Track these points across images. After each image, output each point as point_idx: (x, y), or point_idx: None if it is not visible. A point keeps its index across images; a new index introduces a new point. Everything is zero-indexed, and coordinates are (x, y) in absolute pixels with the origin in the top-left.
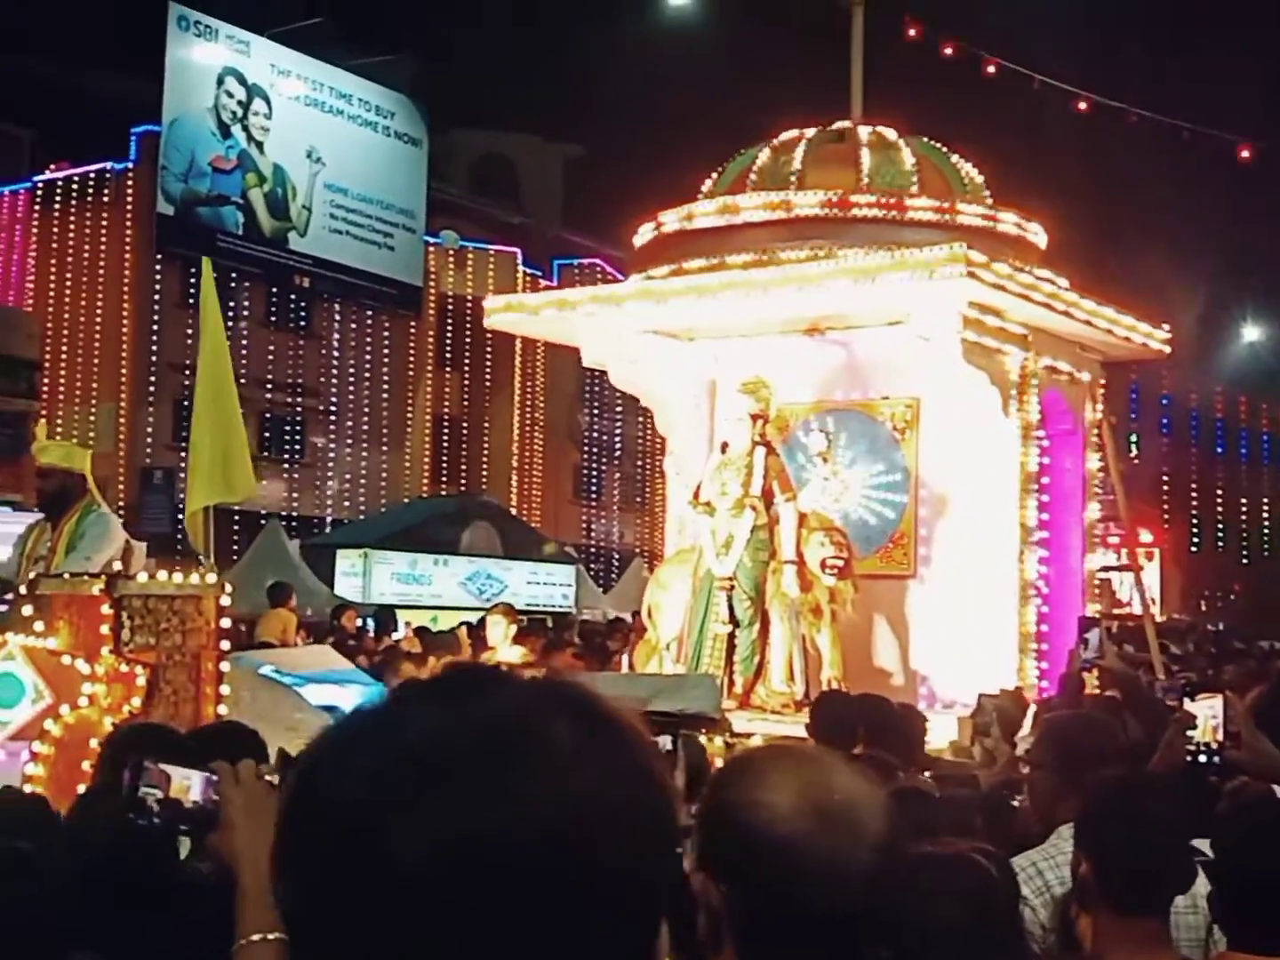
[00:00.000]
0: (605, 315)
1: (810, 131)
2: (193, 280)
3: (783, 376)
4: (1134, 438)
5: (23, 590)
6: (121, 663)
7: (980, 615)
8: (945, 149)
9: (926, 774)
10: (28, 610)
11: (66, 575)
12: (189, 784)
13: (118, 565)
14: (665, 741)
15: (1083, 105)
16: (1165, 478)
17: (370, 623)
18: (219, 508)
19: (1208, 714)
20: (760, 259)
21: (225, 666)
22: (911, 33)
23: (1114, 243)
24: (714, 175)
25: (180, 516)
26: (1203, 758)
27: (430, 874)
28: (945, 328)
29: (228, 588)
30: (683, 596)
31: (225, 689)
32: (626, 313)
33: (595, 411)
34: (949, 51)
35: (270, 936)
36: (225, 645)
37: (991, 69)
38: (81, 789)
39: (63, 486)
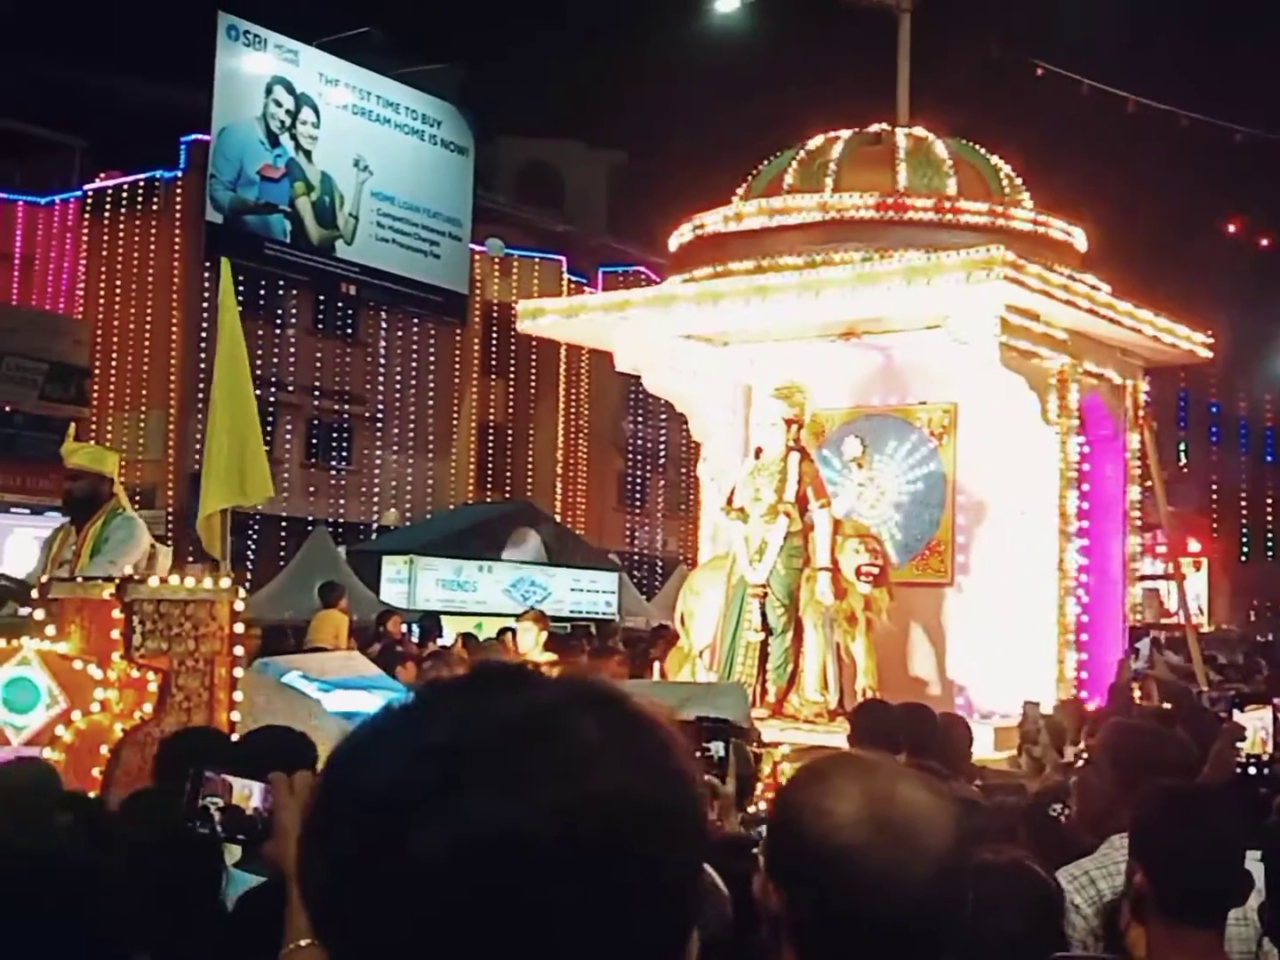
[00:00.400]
0: (639, 319)
1: (846, 133)
2: (241, 288)
3: (819, 381)
4: (1182, 446)
5: (34, 595)
6: (133, 668)
7: (1019, 624)
8: (983, 150)
9: (976, 783)
10: (40, 615)
11: (79, 579)
12: (249, 793)
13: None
14: (718, 748)
15: (1131, 109)
16: (1214, 486)
17: (415, 629)
18: (265, 514)
19: (1257, 725)
20: (798, 263)
21: (239, 672)
22: (960, 38)
23: (1161, 248)
24: (748, 179)
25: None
26: (1252, 769)
27: (450, 871)
28: (983, 331)
29: (241, 592)
30: (716, 604)
31: (238, 695)
32: (661, 316)
33: (639, 418)
34: (995, 56)
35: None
36: (239, 651)
37: (1039, 73)
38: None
39: (93, 489)
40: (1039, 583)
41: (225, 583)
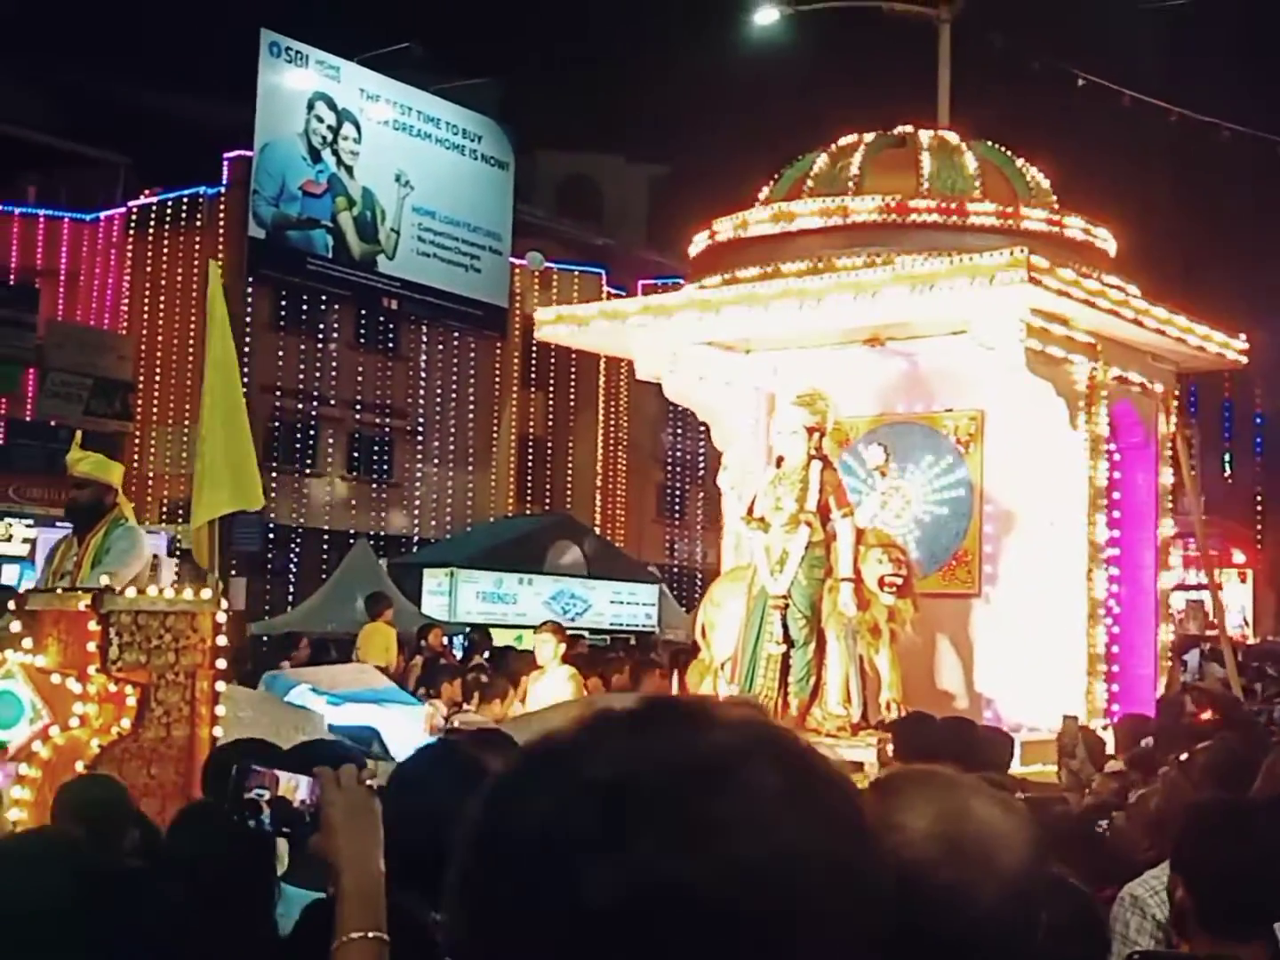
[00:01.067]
0: (657, 326)
1: (869, 136)
2: (284, 303)
3: (843, 389)
4: (1228, 457)
5: (11, 606)
6: (110, 681)
7: (1048, 636)
8: (1010, 153)
9: (1020, 795)
10: (16, 626)
11: (59, 590)
12: (296, 785)
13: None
14: None
15: (1173, 119)
16: (1259, 497)
17: (456, 641)
18: (307, 527)
19: None
20: (815, 267)
21: (221, 686)
22: (998, 48)
23: (1204, 257)
24: (771, 182)
25: (271, 535)
26: None
27: (622, 920)
28: (1007, 336)
29: (224, 603)
30: (737, 615)
31: (221, 710)
32: (678, 323)
33: (678, 431)
34: (1036, 67)
35: (370, 935)
36: (222, 664)
37: (1081, 84)
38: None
39: (98, 498)
40: (1068, 593)
41: (206, 594)
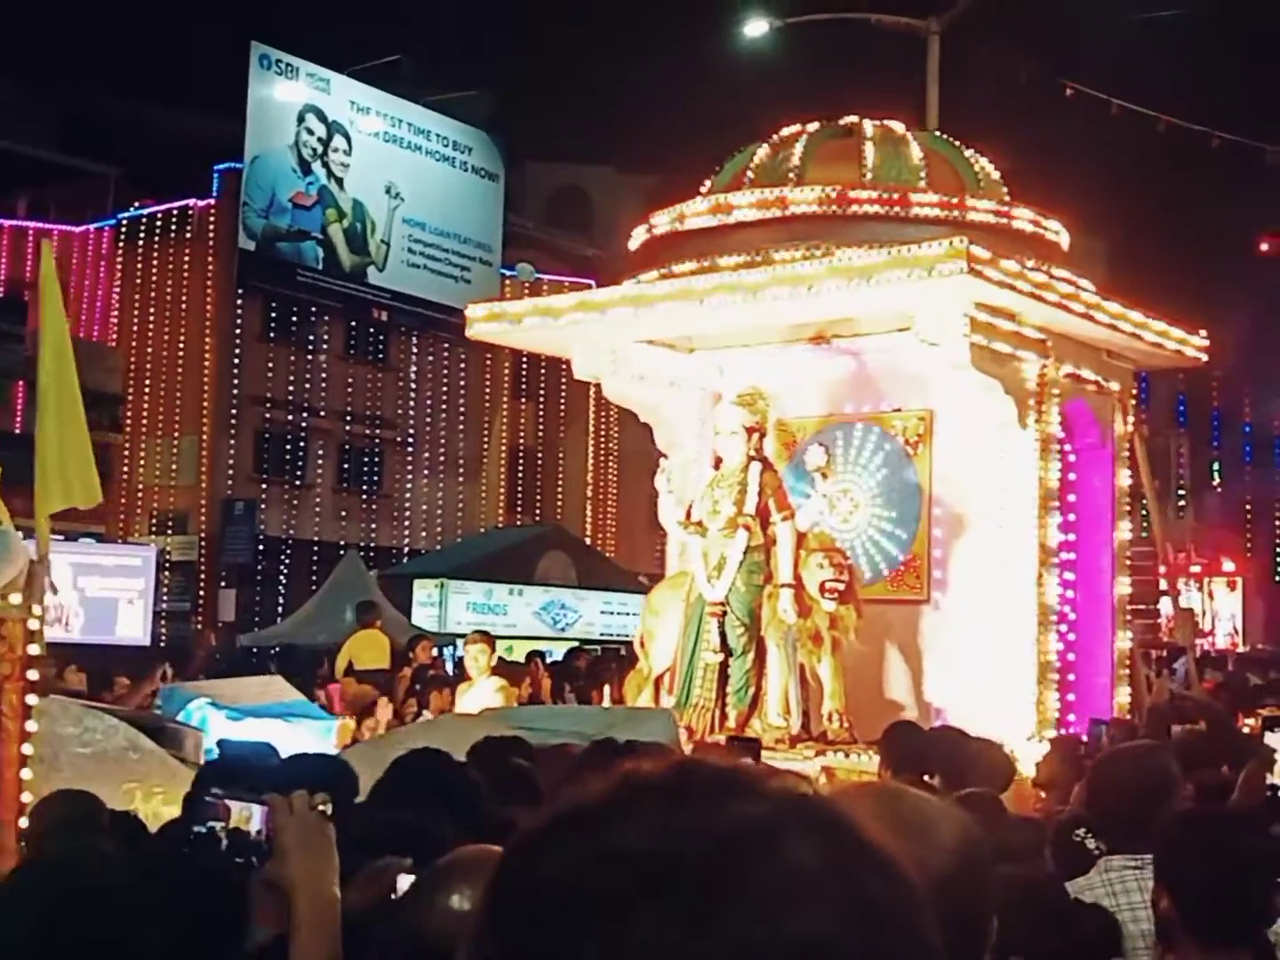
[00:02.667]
0: (592, 323)
1: (813, 126)
2: (274, 315)
3: (790, 389)
4: (1216, 465)
5: None
6: None
7: (998, 643)
8: (959, 143)
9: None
10: None
11: None
12: (249, 815)
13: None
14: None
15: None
16: (1248, 506)
17: (446, 652)
18: (296, 538)
19: None
20: (752, 260)
21: (32, 700)
22: (989, 61)
23: (1193, 264)
24: (713, 174)
25: (261, 546)
26: None
27: None
28: (951, 332)
29: (36, 609)
30: (677, 624)
31: (32, 725)
32: (614, 320)
33: None
34: (1024, 78)
35: None
36: (34, 675)
37: (1069, 94)
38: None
39: None
40: (1020, 599)
41: (16, 598)
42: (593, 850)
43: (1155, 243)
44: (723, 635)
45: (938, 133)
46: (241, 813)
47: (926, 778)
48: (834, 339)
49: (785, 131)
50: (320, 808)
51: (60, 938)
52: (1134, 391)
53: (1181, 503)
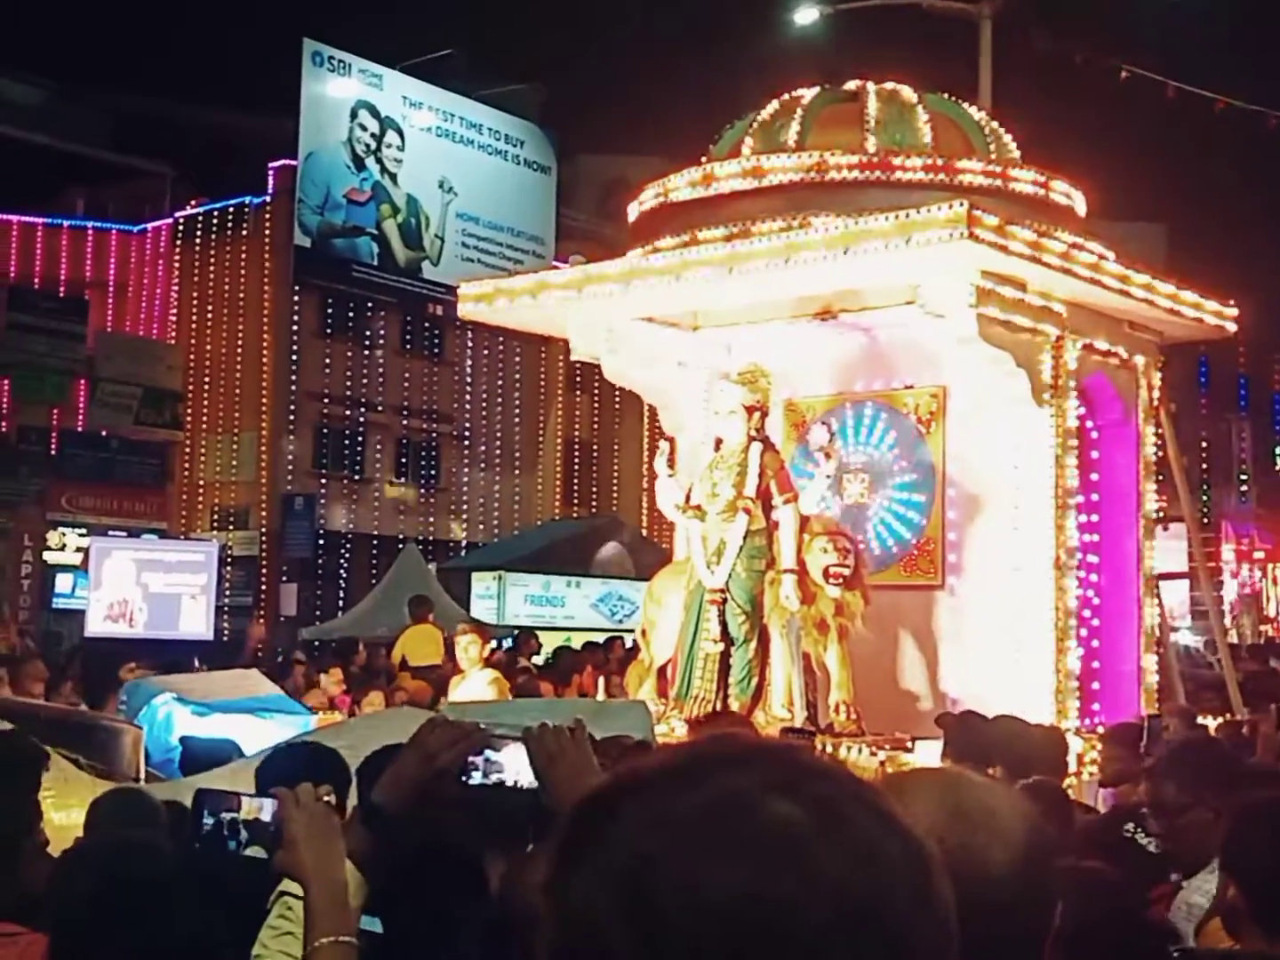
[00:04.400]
0: (584, 301)
1: (815, 91)
2: (330, 310)
3: (800, 367)
4: (1277, 450)
5: None
6: None
7: (1018, 630)
8: (970, 106)
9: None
10: None
11: None
12: (259, 807)
13: None
14: None
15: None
16: None
17: (503, 644)
18: (356, 532)
19: None
20: (745, 231)
21: None
22: (1039, 43)
23: (1252, 248)
24: (713, 143)
25: (321, 541)
26: None
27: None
28: (957, 302)
29: None
30: (678, 613)
31: None
32: (606, 297)
33: None
34: (1078, 59)
35: (340, 939)
36: None
37: (1124, 76)
38: None
39: None
40: (1039, 583)
41: None
42: (594, 863)
43: (1216, 225)
44: (723, 624)
45: (947, 96)
46: (252, 805)
47: (990, 770)
48: (841, 314)
49: (787, 96)
50: (325, 798)
51: (112, 916)
52: (1159, 365)
53: (1244, 488)
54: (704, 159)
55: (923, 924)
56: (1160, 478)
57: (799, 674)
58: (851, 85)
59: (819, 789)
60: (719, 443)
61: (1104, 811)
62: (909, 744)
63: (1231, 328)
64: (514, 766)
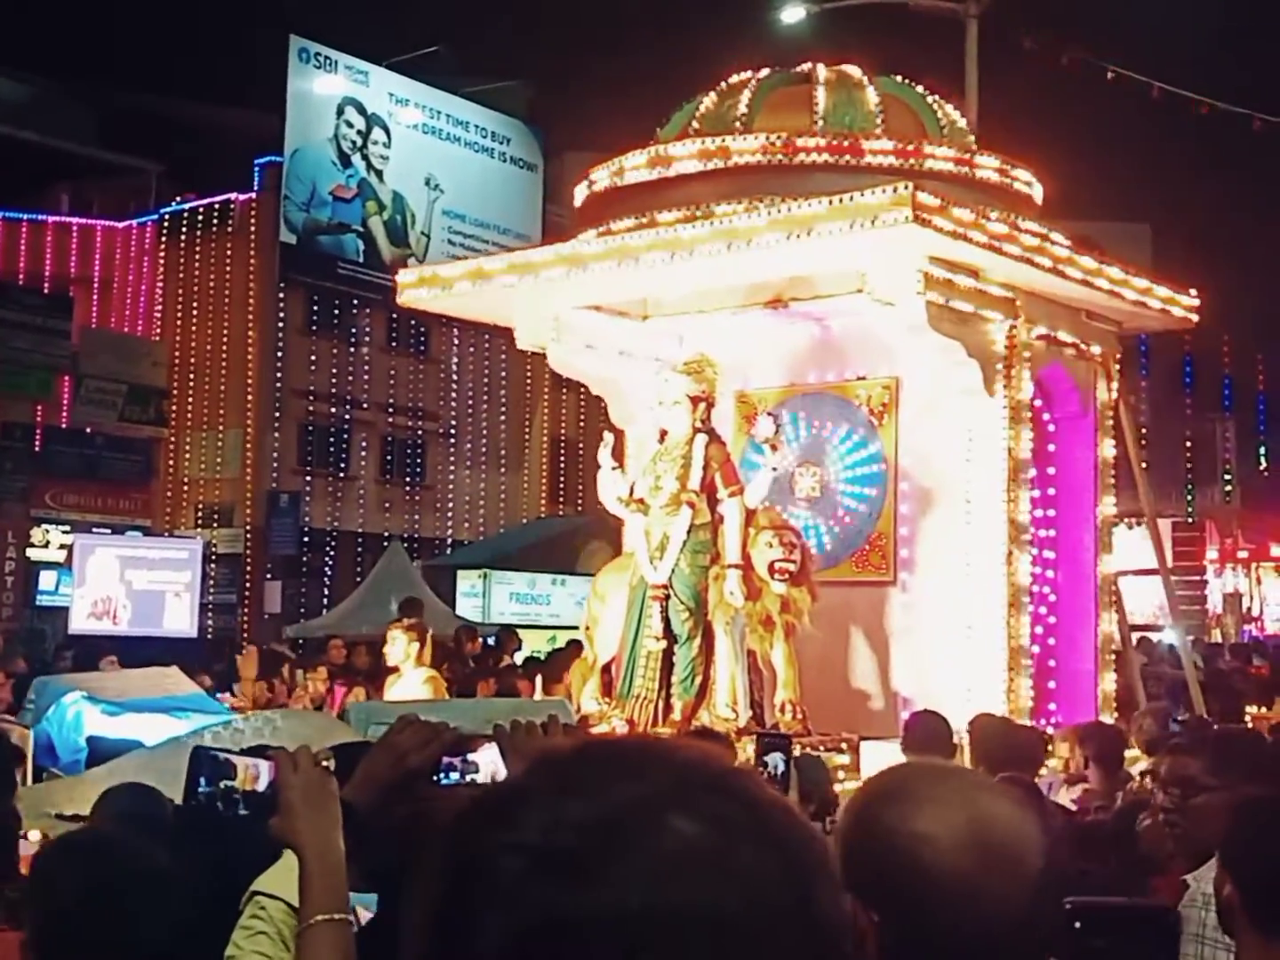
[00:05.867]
0: (527, 288)
1: (764, 72)
2: (316, 307)
3: (752, 358)
4: (1263, 449)
5: None
6: None
7: (972, 627)
8: (922, 89)
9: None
10: None
11: None
12: (256, 773)
13: None
14: (776, 761)
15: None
16: None
17: (487, 643)
18: (341, 529)
19: None
20: (691, 215)
21: None
22: (1026, 43)
23: (1241, 247)
24: (660, 126)
25: (306, 538)
26: None
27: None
28: (904, 289)
29: None
30: (622, 609)
31: None
32: (550, 284)
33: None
34: (1065, 61)
35: (335, 917)
36: None
37: (1111, 77)
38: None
39: None
40: (993, 579)
41: None
42: (493, 841)
43: (1201, 225)
44: (666, 621)
45: (899, 78)
46: (249, 771)
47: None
48: (792, 302)
49: (733, 79)
50: (324, 764)
51: (91, 912)
52: (1118, 356)
53: (1228, 487)
54: (651, 142)
55: (798, 940)
56: (1114, 475)
57: (743, 672)
58: (803, 68)
59: (708, 804)
60: (664, 434)
61: (1116, 808)
62: (856, 744)
63: (1193, 318)
64: (489, 767)
